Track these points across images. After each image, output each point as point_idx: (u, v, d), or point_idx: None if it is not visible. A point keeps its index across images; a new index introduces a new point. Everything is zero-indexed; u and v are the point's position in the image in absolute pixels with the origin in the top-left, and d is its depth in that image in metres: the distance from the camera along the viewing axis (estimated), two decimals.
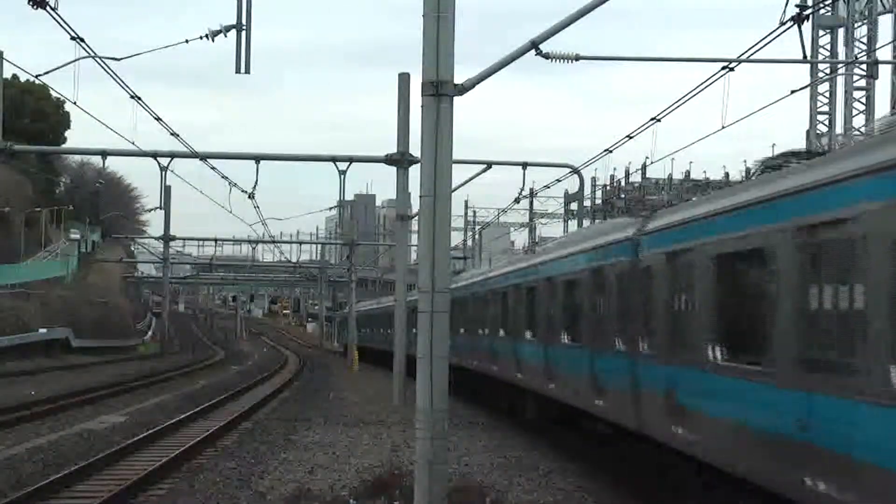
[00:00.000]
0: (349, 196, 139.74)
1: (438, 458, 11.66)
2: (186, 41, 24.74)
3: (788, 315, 9.00)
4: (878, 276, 7.74)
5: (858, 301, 8.14)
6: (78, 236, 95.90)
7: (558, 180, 37.55)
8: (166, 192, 53.86)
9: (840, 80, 37.36)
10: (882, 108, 37.04)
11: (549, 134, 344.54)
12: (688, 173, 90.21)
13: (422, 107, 11.87)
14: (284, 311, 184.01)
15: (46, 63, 42.87)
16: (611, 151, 24.68)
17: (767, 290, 9.40)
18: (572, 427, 19.99)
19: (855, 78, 36.93)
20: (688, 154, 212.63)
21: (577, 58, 14.60)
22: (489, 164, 34.57)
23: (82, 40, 20.58)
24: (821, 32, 37.17)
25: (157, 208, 43.23)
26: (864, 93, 36.98)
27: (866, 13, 36.84)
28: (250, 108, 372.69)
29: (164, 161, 33.81)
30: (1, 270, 70.69)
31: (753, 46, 16.22)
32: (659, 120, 20.87)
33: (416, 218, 18.29)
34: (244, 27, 24.98)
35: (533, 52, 12.87)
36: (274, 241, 78.46)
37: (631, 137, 22.41)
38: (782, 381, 9.17)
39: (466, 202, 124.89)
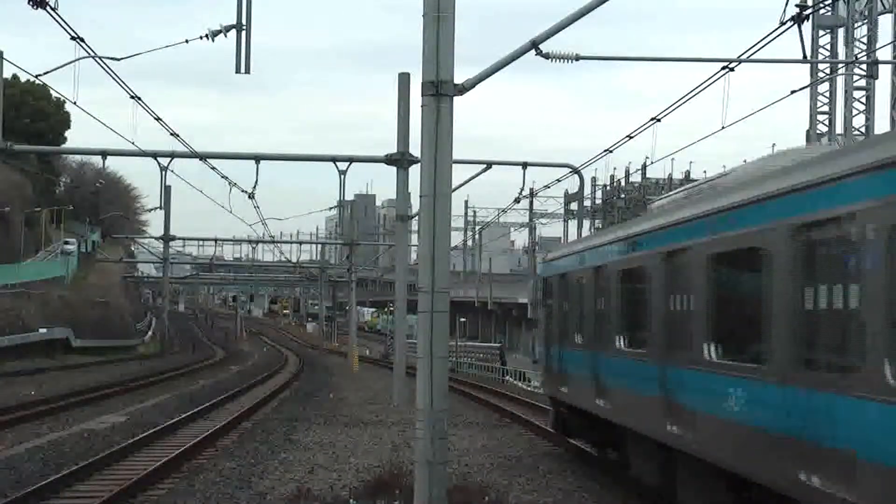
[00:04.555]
0: (349, 196, 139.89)
1: (438, 458, 11.66)
2: (186, 41, 24.72)
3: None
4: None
5: None
6: (72, 247, 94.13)
7: (558, 180, 37.62)
8: (166, 192, 53.95)
9: (840, 80, 37.34)
10: (882, 108, 37.07)
11: (549, 134, 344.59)
12: (688, 173, 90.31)
13: (422, 107, 11.86)
14: (284, 311, 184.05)
15: (46, 63, 42.92)
16: (611, 151, 24.67)
17: None
18: None
19: (855, 78, 36.89)
20: (688, 154, 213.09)
21: (577, 58, 14.59)
22: (489, 164, 34.59)
23: (82, 40, 20.57)
24: (821, 32, 37.16)
25: (157, 208, 43.31)
26: (864, 93, 36.94)
27: (866, 13, 36.81)
28: (250, 108, 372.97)
29: (164, 161, 33.82)
30: (1, 270, 70.65)
31: (753, 46, 16.23)
32: (659, 120, 20.87)
33: (416, 218, 18.28)
34: (244, 27, 24.97)
35: (533, 52, 12.86)
36: (274, 241, 78.57)
37: (631, 137, 22.41)
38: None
39: (466, 202, 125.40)
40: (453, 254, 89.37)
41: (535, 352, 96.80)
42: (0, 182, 78.18)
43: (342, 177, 34.69)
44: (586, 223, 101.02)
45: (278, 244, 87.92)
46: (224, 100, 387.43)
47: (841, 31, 37.26)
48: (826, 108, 37.66)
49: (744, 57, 16.89)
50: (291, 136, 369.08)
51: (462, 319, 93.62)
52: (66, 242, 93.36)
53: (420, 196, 11.98)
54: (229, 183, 35.36)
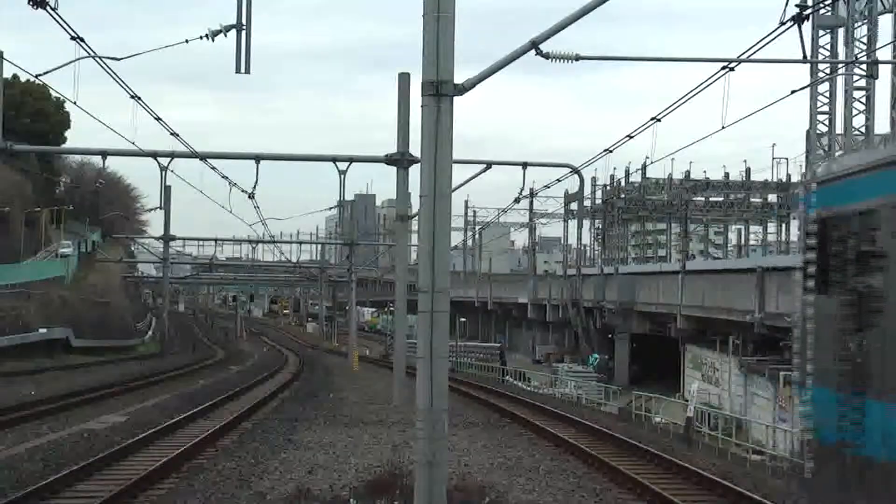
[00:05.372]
0: (349, 196, 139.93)
1: (438, 458, 11.66)
2: (186, 41, 24.68)
3: None
4: None
5: None
6: (68, 250, 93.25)
7: (558, 180, 37.53)
8: (166, 192, 53.92)
9: (840, 80, 37.32)
10: (882, 108, 37.06)
11: (549, 134, 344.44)
12: (688, 173, 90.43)
13: (422, 107, 11.87)
14: (284, 311, 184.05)
15: (46, 63, 42.86)
16: (611, 151, 24.61)
17: None
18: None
19: (855, 78, 36.87)
20: (688, 154, 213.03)
21: (577, 58, 14.57)
22: (489, 164, 34.56)
23: (82, 40, 20.56)
24: (821, 32, 37.15)
25: (157, 208, 43.32)
26: (864, 93, 36.93)
27: (866, 13, 36.80)
28: (250, 108, 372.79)
29: (164, 161, 33.80)
30: (1, 270, 70.64)
31: (753, 46, 16.23)
32: (659, 120, 20.83)
33: (416, 218, 18.27)
34: (244, 27, 24.96)
35: (533, 52, 12.85)
36: (274, 241, 78.54)
37: (631, 137, 22.37)
38: None
39: (466, 202, 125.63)
40: (453, 254, 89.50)
41: (536, 351, 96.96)
42: (0, 182, 78.18)
43: (342, 177, 34.67)
44: (586, 223, 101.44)
45: (278, 244, 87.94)
46: (224, 100, 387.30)
47: (841, 31, 37.26)
48: (826, 108, 37.64)
49: (744, 57, 16.88)
50: (291, 136, 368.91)
51: (462, 319, 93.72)
52: (63, 245, 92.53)
53: (420, 196, 11.97)
54: (229, 183, 35.37)
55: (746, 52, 16.66)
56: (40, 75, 25.86)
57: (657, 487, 17.53)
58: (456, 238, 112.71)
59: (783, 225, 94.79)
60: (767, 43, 15.74)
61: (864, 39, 36.59)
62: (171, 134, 29.27)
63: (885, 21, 37.15)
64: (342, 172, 34.49)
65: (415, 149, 28.85)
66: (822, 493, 9.95)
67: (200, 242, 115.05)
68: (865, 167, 10.00)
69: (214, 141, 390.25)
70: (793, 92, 20.43)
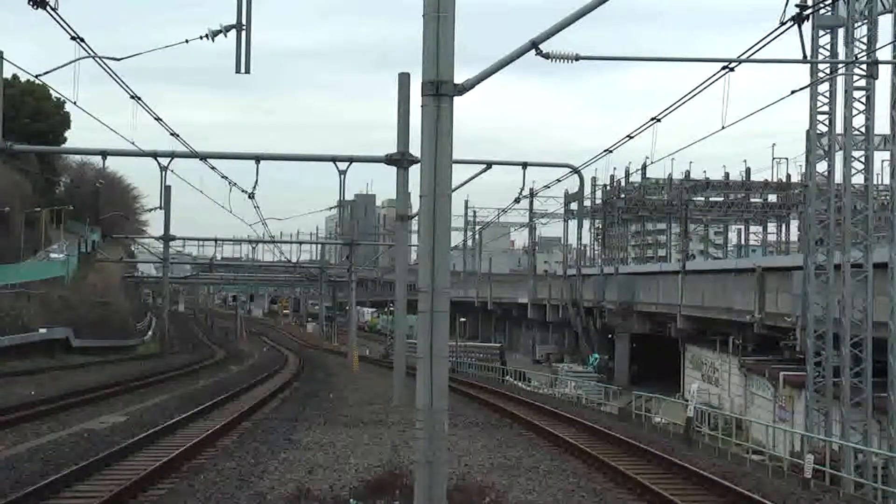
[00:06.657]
0: (349, 196, 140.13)
1: (438, 458, 11.66)
2: (186, 41, 24.67)
3: None
4: None
5: None
6: (59, 255, 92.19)
7: (558, 180, 37.52)
8: (166, 192, 53.95)
9: (840, 80, 37.27)
10: (882, 108, 37.01)
11: (549, 134, 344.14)
12: (688, 173, 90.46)
13: (422, 107, 11.87)
14: (284, 311, 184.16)
15: (46, 63, 42.83)
16: (611, 151, 24.57)
17: None
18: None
19: (855, 78, 36.78)
20: (688, 154, 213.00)
21: (577, 58, 14.56)
22: (489, 164, 34.54)
23: (82, 40, 20.56)
24: (821, 32, 37.10)
25: (156, 208, 43.31)
26: (864, 93, 36.87)
27: (866, 13, 36.79)
28: (251, 108, 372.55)
29: (164, 161, 33.80)
30: (1, 270, 70.64)
31: (753, 46, 16.23)
32: (659, 120, 20.81)
33: (416, 218, 18.28)
34: (244, 27, 24.96)
35: (533, 52, 12.86)
36: (274, 241, 78.55)
37: (631, 137, 22.35)
38: None
39: (466, 202, 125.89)
40: (453, 254, 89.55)
41: (536, 351, 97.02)
42: (0, 182, 78.18)
43: (342, 177, 34.65)
44: (586, 223, 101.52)
45: (278, 244, 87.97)
46: (224, 100, 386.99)
47: (841, 31, 37.23)
48: (826, 108, 37.57)
49: (744, 57, 16.87)
50: (291, 136, 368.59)
51: (462, 319, 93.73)
52: (54, 250, 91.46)
53: (420, 196, 11.98)
54: (229, 183, 35.38)
55: (746, 52, 16.66)
56: (40, 75, 25.87)
57: (657, 487, 17.54)
58: (456, 238, 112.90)
59: (783, 225, 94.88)
60: (767, 43, 15.75)
61: (864, 39, 36.54)
62: (171, 134, 29.29)
63: (885, 21, 37.11)
64: (342, 172, 34.49)
65: (415, 149, 28.85)
66: None
67: (200, 242, 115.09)
68: None
69: (214, 141, 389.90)
70: (793, 92, 20.44)
